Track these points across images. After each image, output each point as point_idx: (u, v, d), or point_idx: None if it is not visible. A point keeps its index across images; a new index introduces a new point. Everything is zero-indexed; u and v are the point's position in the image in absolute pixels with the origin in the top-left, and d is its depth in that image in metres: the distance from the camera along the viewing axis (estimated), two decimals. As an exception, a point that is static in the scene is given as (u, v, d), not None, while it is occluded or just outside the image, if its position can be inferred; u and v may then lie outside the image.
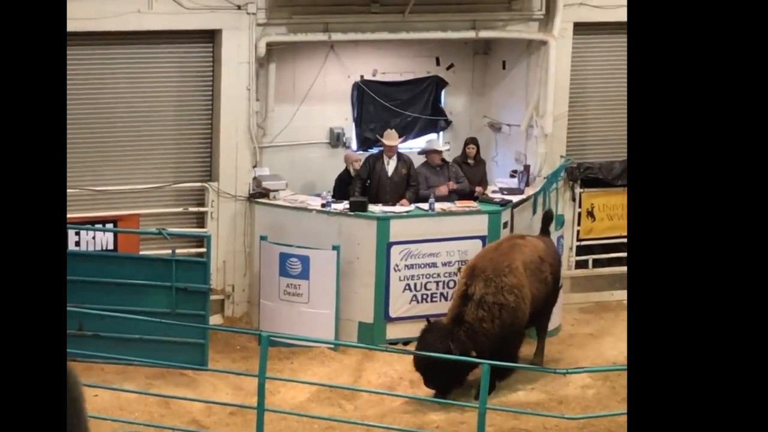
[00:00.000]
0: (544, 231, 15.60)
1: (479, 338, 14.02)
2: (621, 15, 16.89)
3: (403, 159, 16.19)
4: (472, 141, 16.86)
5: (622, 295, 17.38)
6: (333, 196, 15.99)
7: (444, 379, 14.00)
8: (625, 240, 17.29)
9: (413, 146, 17.17)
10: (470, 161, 16.77)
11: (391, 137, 16.15)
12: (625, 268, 17.20)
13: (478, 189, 16.34)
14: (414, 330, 15.57)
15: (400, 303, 15.61)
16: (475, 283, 14.25)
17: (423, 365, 13.96)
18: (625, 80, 17.51)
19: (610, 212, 17.32)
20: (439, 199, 15.83)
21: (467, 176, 16.56)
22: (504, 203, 16.04)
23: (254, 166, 16.10)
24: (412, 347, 15.36)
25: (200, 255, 15.41)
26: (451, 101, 17.65)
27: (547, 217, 15.72)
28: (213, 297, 15.38)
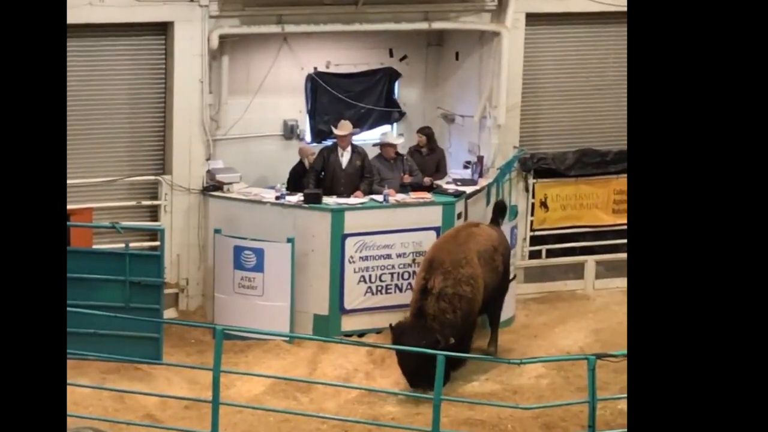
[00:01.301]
0: (495, 221, 15.67)
1: (446, 330, 14.06)
2: (573, 6, 17.02)
3: (357, 151, 16.19)
4: (420, 130, 16.90)
5: (575, 284, 17.50)
6: (287, 189, 15.98)
7: (429, 373, 13.90)
8: (577, 230, 17.43)
9: (367, 138, 17.18)
10: (423, 150, 16.80)
11: (343, 127, 16.15)
12: (577, 258, 17.37)
13: (426, 179, 16.36)
14: (369, 322, 15.64)
15: (354, 295, 15.62)
16: (433, 276, 14.30)
17: (412, 367, 13.85)
18: (577, 71, 17.75)
19: (563, 202, 17.41)
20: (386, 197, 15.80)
21: (420, 166, 16.59)
22: (458, 194, 16.09)
23: (208, 159, 16.06)
24: (367, 339, 15.41)
25: (154, 248, 15.37)
26: (404, 93, 17.66)
27: (499, 208, 15.79)
28: (167, 291, 15.34)
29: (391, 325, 14.35)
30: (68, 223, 15.27)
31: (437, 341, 13.68)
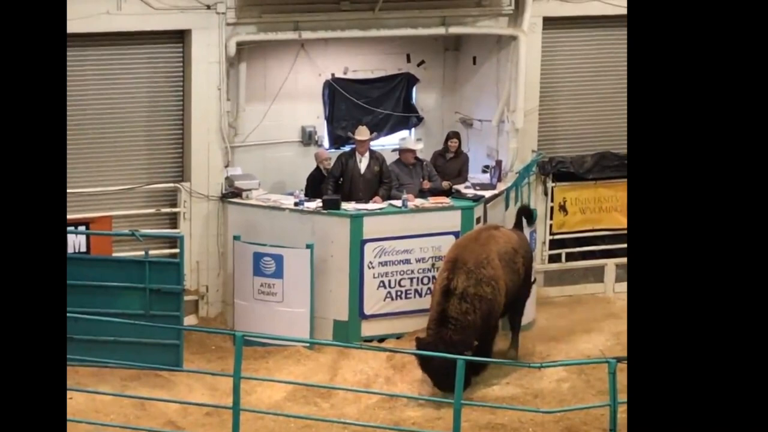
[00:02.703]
0: (518, 225, 15.67)
1: (467, 331, 14.04)
2: (590, 9, 17.00)
3: (375, 156, 16.20)
4: (455, 135, 16.91)
5: (595, 288, 17.47)
6: (306, 195, 16.00)
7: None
8: (596, 233, 17.40)
9: (385, 143, 17.19)
10: (449, 155, 16.81)
11: (361, 132, 16.17)
12: (597, 261, 17.34)
13: (445, 183, 16.35)
14: (389, 327, 15.64)
15: (374, 300, 15.62)
16: (456, 276, 14.27)
17: (445, 376, 13.74)
18: (595, 74, 17.73)
19: (582, 206, 17.39)
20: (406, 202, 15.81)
21: (442, 170, 16.60)
22: (476, 199, 16.08)
23: (226, 166, 16.09)
24: (387, 344, 15.40)
25: (173, 256, 15.39)
26: (422, 98, 17.67)
27: (523, 212, 15.79)
28: (187, 297, 15.37)
29: (416, 338, 14.23)
30: (88, 231, 15.32)
31: (463, 351, 13.66)
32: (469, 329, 14.06)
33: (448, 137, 16.89)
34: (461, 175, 16.77)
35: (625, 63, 16.99)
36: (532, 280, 15.73)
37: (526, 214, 15.80)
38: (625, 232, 17.21)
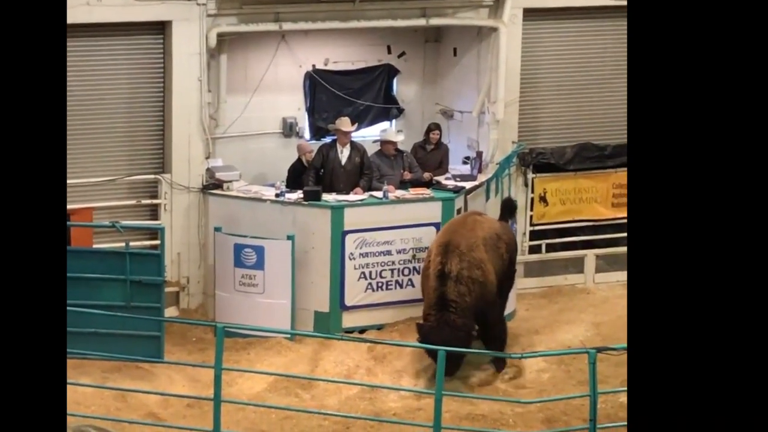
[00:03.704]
0: (503, 217, 15.72)
1: (467, 314, 14.10)
2: (570, 0, 17.02)
3: (356, 148, 16.21)
4: (436, 126, 16.93)
5: (575, 279, 17.53)
6: (287, 186, 16.01)
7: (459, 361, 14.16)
8: (576, 224, 17.45)
9: (366, 135, 17.20)
10: (429, 146, 16.83)
11: (345, 123, 16.18)
12: (577, 252, 17.39)
13: (426, 174, 16.38)
14: (370, 318, 15.67)
15: (355, 291, 15.64)
16: (450, 260, 14.31)
17: (454, 360, 13.82)
18: (575, 66, 17.76)
19: (562, 197, 17.43)
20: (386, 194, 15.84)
21: (423, 161, 16.62)
22: (457, 190, 16.11)
23: (207, 158, 16.08)
24: (368, 335, 15.43)
25: (154, 247, 15.39)
26: (403, 89, 17.68)
27: (507, 206, 15.83)
28: (168, 289, 15.35)
29: (417, 323, 14.33)
30: (68, 222, 15.28)
31: (468, 337, 13.77)
32: (468, 311, 14.15)
33: (429, 129, 16.92)
34: (442, 166, 16.80)
35: (605, 54, 17.17)
36: (514, 269, 15.76)
37: (510, 207, 15.85)
38: (605, 222, 17.36)
